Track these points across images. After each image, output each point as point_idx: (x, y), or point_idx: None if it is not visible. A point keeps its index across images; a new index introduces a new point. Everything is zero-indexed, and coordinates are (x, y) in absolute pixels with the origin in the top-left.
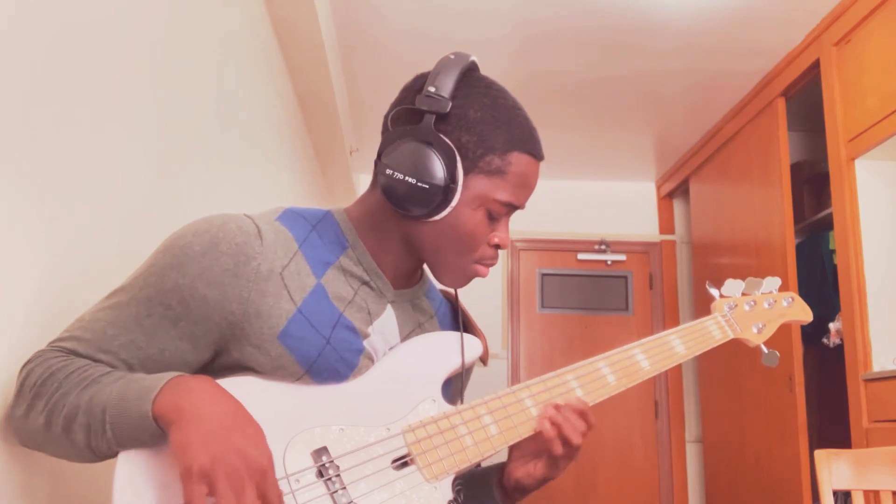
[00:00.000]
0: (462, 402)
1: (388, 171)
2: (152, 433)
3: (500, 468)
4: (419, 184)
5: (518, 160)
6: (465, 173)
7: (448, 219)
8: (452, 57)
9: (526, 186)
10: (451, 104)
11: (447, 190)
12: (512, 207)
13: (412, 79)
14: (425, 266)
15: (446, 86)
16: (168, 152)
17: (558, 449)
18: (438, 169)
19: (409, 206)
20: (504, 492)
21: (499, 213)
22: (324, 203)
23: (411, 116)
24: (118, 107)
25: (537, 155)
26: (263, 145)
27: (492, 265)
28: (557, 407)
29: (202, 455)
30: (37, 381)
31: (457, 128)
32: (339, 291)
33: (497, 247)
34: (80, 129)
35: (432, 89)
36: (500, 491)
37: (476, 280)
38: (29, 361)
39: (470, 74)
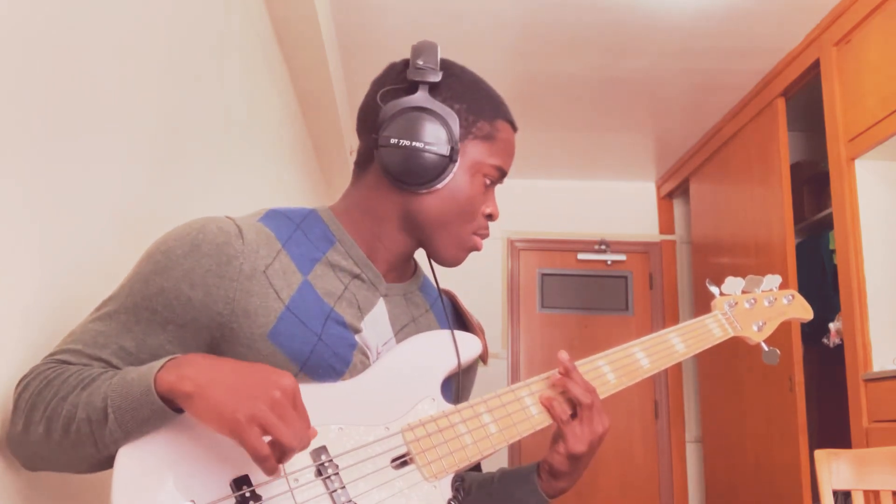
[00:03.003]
0: (469, 398)
1: (393, 141)
2: (155, 409)
3: (538, 464)
4: (426, 147)
5: (503, 127)
6: (461, 140)
7: (449, 187)
8: (424, 41)
9: (511, 153)
10: (441, 73)
11: (451, 153)
12: (501, 174)
13: (383, 70)
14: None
15: (433, 60)
16: (167, 153)
17: (560, 414)
18: (441, 133)
19: (413, 175)
20: (546, 483)
21: (492, 178)
22: (323, 203)
23: (399, 95)
24: (118, 107)
25: (515, 125)
26: (263, 145)
27: (485, 237)
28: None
29: (241, 403)
30: (33, 393)
31: (448, 97)
32: (328, 287)
33: (489, 217)
34: (80, 130)
35: (421, 62)
36: (542, 483)
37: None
38: (24, 377)
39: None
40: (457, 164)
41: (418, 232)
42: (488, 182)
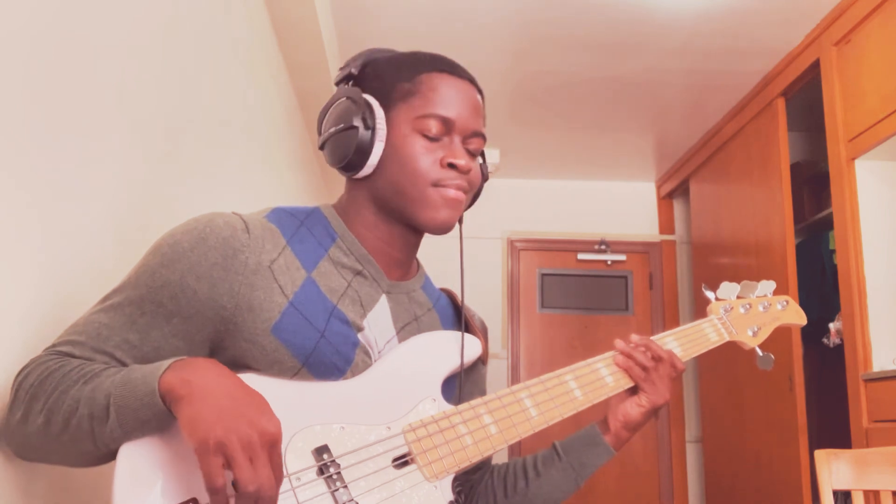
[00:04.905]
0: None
1: (321, 139)
2: (157, 412)
3: (599, 422)
4: (340, 128)
5: (427, 78)
6: (387, 111)
7: (389, 157)
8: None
9: (444, 97)
10: (359, 67)
11: (364, 122)
12: (441, 120)
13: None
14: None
15: (354, 61)
16: (167, 152)
17: (639, 373)
18: (353, 110)
19: (344, 158)
20: (614, 435)
21: (429, 129)
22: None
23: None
24: (117, 107)
25: (448, 70)
26: (263, 145)
27: (460, 187)
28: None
29: (217, 427)
30: (33, 383)
31: (368, 82)
32: (331, 284)
33: (451, 166)
34: (79, 130)
35: (342, 65)
36: (610, 437)
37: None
38: (24, 367)
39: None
40: (379, 131)
41: (392, 211)
42: (430, 134)
